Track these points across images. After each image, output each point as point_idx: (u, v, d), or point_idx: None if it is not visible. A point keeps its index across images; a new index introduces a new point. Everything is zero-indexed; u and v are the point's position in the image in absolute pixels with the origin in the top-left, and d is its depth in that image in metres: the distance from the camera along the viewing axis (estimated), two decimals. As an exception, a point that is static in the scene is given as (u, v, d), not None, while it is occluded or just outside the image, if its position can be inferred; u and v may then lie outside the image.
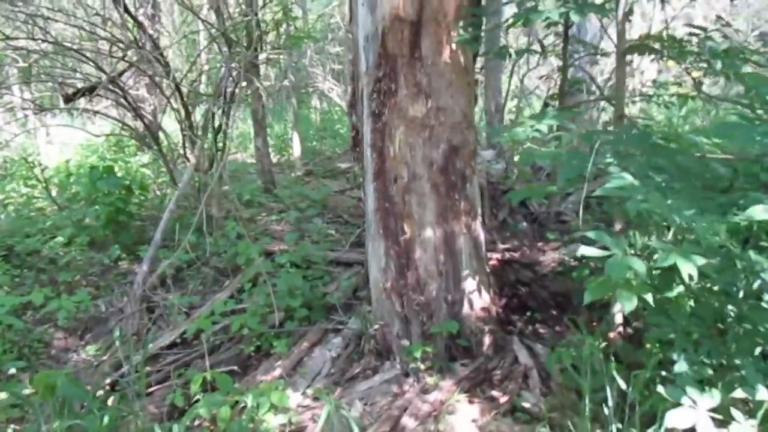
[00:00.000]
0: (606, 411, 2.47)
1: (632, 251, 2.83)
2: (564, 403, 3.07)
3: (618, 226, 3.26)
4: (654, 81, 4.35)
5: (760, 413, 2.14)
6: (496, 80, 8.43)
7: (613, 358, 2.80)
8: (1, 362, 3.68)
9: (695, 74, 3.71)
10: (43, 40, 5.19)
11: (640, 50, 3.29)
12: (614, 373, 2.45)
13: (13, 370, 3.68)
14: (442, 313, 3.69)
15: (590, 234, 2.13)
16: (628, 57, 3.41)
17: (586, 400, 2.65)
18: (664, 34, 3.39)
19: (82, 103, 6.91)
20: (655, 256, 2.26)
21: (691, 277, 1.95)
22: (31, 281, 5.22)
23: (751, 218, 2.03)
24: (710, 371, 2.42)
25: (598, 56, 4.83)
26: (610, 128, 3.35)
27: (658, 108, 3.73)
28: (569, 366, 3.05)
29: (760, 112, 2.44)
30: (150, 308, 4.74)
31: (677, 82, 3.83)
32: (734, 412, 2.13)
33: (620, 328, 3.42)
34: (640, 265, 2.01)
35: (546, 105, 8.44)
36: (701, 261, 1.90)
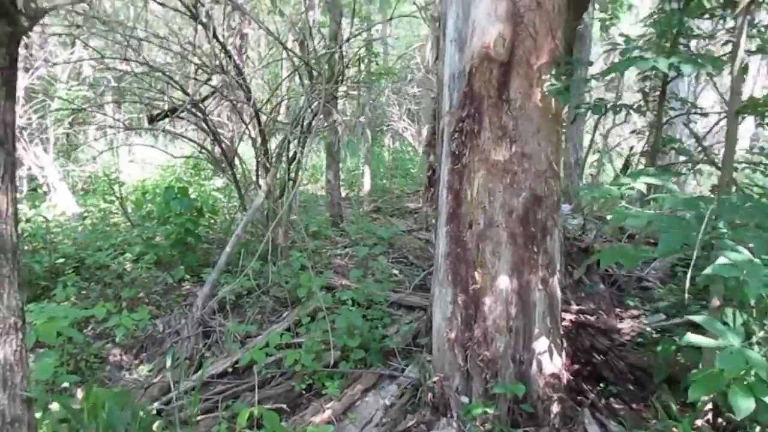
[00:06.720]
0: None
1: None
2: (642, 493, 2.72)
3: (716, 303, 2.92)
4: (762, 148, 3.99)
5: None
6: (578, 133, 8.17)
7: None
8: (57, 374, 3.66)
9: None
10: (136, 61, 5.38)
11: (754, 111, 3.01)
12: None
13: (66, 384, 3.65)
14: (508, 373, 3.43)
15: (698, 319, 1.85)
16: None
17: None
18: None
19: (167, 124, 7.13)
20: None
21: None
22: (96, 294, 5.28)
23: None
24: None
25: (698, 115, 4.51)
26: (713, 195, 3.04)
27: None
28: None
29: None
30: (206, 333, 4.67)
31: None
32: None
33: (709, 416, 3.05)
34: (759, 360, 1.71)
35: (627, 164, 8.07)
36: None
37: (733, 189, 3.08)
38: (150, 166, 11.05)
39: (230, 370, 4.14)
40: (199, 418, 3.54)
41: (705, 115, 4.29)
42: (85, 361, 4.24)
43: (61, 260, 5.69)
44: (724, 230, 2.03)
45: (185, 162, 10.36)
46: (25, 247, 5.77)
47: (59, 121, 8.85)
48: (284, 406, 3.61)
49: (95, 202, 8.84)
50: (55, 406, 3.28)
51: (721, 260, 1.82)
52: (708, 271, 1.86)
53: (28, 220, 6.81)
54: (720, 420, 3.04)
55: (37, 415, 3.01)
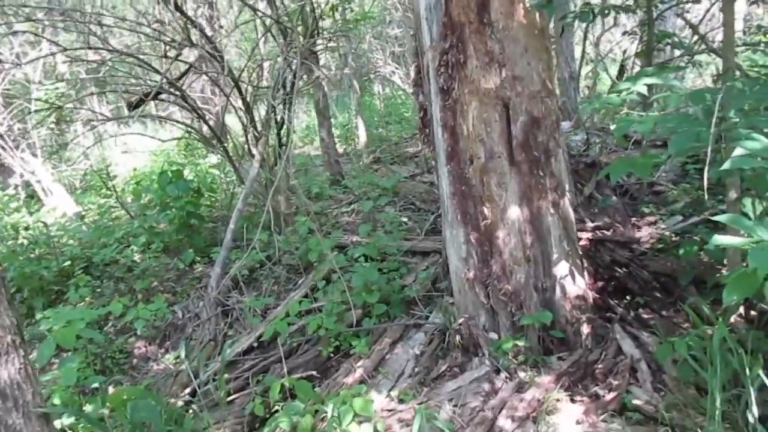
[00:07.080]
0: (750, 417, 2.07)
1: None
2: (685, 401, 2.67)
3: (733, 195, 2.80)
4: (759, 27, 3.79)
5: None
6: (568, 46, 7.87)
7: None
8: (84, 375, 3.64)
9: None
10: (103, 49, 5.17)
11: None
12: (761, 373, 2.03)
13: (96, 384, 3.64)
14: (533, 303, 3.37)
15: (723, 219, 1.74)
16: None
17: (717, 400, 2.26)
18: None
19: (152, 109, 6.92)
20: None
21: None
22: (110, 291, 5.25)
23: None
24: None
25: (690, 3, 4.27)
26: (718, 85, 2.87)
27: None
28: (688, 357, 2.64)
29: None
30: (225, 312, 4.63)
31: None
32: None
33: (740, 310, 2.98)
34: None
35: (622, 69, 7.80)
36: None
37: (738, 74, 2.91)
38: (143, 155, 10.87)
39: (255, 345, 4.12)
40: (232, 396, 3.53)
41: (698, 1, 4.05)
42: (110, 359, 4.24)
43: (69, 263, 5.64)
44: (736, 119, 1.89)
45: (177, 144, 10.17)
46: (31, 255, 5.72)
47: (40, 122, 8.67)
48: (314, 372, 3.59)
49: (92, 199, 8.74)
50: (87, 407, 3.27)
51: (739, 151, 1.70)
52: (726, 165, 1.74)
53: (27, 228, 6.74)
54: (752, 312, 2.97)
55: (71, 420, 3.00)
